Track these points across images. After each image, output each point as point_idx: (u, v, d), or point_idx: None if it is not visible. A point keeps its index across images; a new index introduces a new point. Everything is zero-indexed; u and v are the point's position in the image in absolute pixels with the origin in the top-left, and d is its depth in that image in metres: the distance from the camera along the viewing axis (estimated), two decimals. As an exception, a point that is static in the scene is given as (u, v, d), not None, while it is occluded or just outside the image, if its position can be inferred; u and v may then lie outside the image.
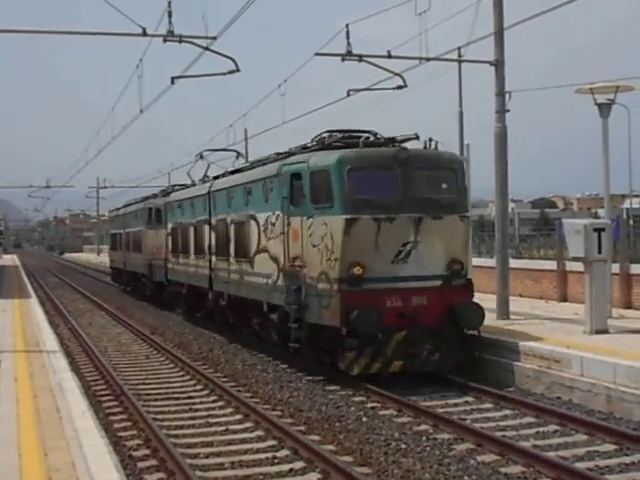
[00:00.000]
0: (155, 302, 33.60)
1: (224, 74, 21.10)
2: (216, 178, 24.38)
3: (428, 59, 21.15)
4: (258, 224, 18.69)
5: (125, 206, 45.61)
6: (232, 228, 21.00)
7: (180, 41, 19.94)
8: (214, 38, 19.85)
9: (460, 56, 23.55)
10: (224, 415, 13.91)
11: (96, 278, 59.68)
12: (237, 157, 28.24)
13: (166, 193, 33.41)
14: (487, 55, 20.71)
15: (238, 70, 20.63)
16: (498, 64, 20.20)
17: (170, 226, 29.36)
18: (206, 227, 23.74)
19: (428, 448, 11.28)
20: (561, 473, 9.82)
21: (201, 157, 28.55)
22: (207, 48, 20.14)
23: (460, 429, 12.09)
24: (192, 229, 25.67)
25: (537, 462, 10.27)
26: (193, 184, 28.13)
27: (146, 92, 25.01)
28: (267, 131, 35.97)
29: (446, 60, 22.88)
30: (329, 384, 15.93)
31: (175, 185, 34.37)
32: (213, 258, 23.09)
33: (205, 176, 27.05)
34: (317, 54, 21.51)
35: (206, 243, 23.75)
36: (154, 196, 37.03)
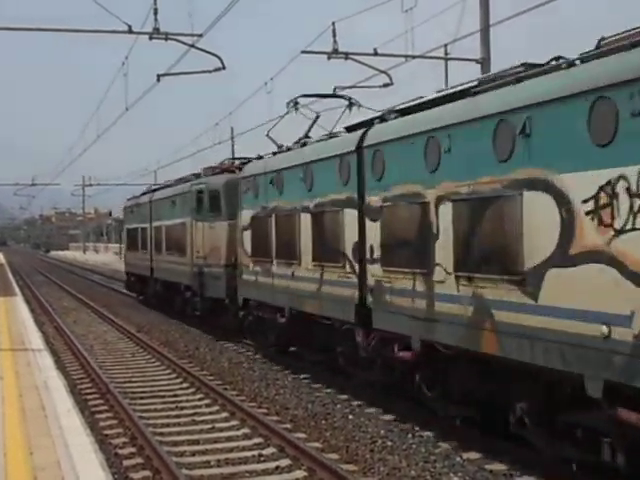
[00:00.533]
0: (209, 328, 23.72)
1: (210, 72, 21.15)
2: (360, 126, 14.19)
3: (414, 57, 21.27)
4: (564, 199, 8.65)
5: (151, 191, 34.19)
6: (443, 211, 10.83)
7: (166, 38, 19.96)
8: (200, 35, 19.90)
9: (446, 54, 23.63)
10: (210, 413, 13.89)
11: (82, 276, 59.46)
12: (349, 106, 18.42)
13: (219, 170, 24.30)
14: (474, 52, 20.83)
15: (224, 67, 20.67)
16: (484, 62, 20.28)
17: (250, 214, 18.81)
18: (348, 213, 13.73)
19: (414, 445, 11.31)
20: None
21: (295, 106, 19.00)
22: (193, 45, 20.18)
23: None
24: (304, 218, 15.66)
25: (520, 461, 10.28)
26: (281, 150, 18.30)
27: (131, 89, 25.02)
28: (253, 129, 36.02)
29: (432, 58, 22.96)
30: (315, 382, 15.94)
31: (236, 158, 25.01)
32: (375, 269, 12.79)
33: (307, 135, 17.88)
34: (303, 52, 21.59)
35: (348, 242, 13.72)
36: (196, 176, 26.41)
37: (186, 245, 25.31)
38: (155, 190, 33.14)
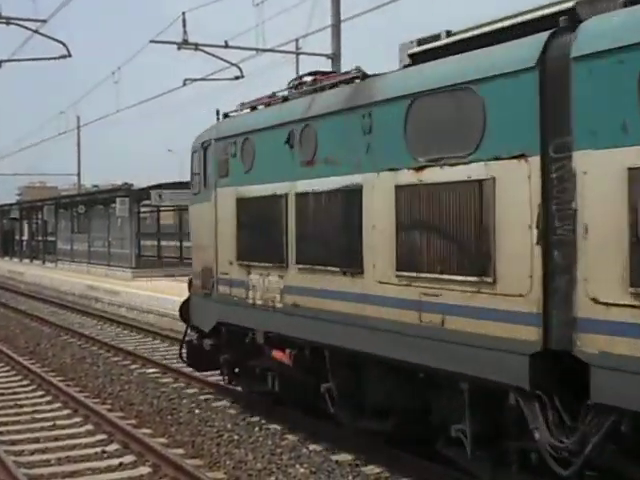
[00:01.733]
0: None
1: (55, 59, 20.51)
2: None
3: (265, 50, 21.26)
4: None
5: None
6: None
7: (7, 23, 19.27)
8: (44, 21, 19.31)
9: (298, 48, 23.77)
10: (51, 410, 13.46)
11: None
12: None
13: None
14: (327, 47, 21.02)
15: (69, 55, 20.09)
16: (335, 57, 20.50)
17: None
18: None
19: (261, 438, 11.29)
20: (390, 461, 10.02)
21: None
22: (36, 31, 19.55)
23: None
24: None
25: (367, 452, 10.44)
26: None
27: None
28: (101, 119, 35.26)
29: (283, 52, 23.04)
30: (162, 377, 15.71)
31: None
32: None
33: None
34: (152, 41, 21.25)
35: None
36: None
37: None
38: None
